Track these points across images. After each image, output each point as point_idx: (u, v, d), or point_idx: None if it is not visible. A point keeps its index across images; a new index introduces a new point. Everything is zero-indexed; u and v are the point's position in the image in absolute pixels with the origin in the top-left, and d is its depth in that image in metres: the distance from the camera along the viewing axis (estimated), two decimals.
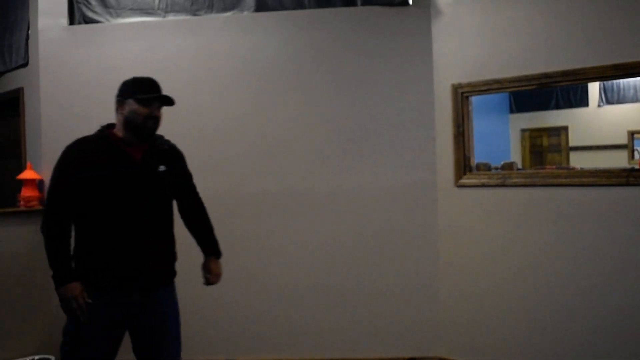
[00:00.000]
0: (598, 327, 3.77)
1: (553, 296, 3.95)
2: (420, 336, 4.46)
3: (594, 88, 9.34)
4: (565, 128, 9.71)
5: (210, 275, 3.13)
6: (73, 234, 2.83)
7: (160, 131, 2.95)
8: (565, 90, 9.48)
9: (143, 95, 2.82)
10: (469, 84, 4.27)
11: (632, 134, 9.05)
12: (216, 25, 4.60)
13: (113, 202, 2.77)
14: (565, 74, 3.91)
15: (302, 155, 4.54)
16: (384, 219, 4.48)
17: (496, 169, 4.40)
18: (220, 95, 4.57)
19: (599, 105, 9.45)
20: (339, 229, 4.52)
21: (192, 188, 3.19)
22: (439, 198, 4.44)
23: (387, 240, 4.48)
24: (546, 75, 3.97)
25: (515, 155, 9.61)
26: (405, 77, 4.48)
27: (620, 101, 9.36)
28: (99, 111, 4.47)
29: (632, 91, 9.24)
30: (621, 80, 9.12)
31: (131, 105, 2.82)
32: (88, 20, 4.71)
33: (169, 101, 2.89)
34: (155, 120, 2.87)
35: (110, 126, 2.92)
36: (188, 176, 3.15)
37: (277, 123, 4.55)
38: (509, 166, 4.34)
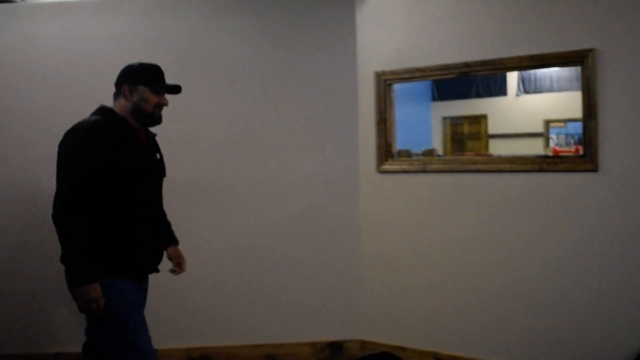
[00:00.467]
0: (514, 309, 3.92)
1: (473, 279, 4.07)
2: (343, 320, 4.50)
3: (512, 78, 9.63)
4: (485, 116, 9.98)
5: (181, 261, 3.19)
6: None
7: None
8: (485, 79, 9.74)
9: (156, 83, 2.81)
10: (391, 72, 4.32)
11: (547, 123, 9.39)
12: (137, 7, 4.47)
13: (131, 187, 2.72)
14: (484, 63, 4.01)
15: (224, 143, 4.48)
16: (308, 205, 4.49)
17: (417, 155, 4.48)
18: None
19: (517, 95, 9.76)
20: (262, 216, 4.49)
21: None
22: (361, 184, 4.48)
23: (311, 225, 4.50)
24: (466, 65, 4.06)
25: (437, 142, 9.83)
26: (329, 64, 4.49)
27: (537, 91, 9.69)
28: (7, 95, 4.35)
29: (548, 81, 9.58)
30: (538, 71, 9.42)
31: (142, 92, 2.78)
32: None
33: (178, 90, 2.89)
34: (161, 109, 2.86)
35: (107, 109, 2.81)
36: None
37: (197, 111, 4.45)
38: (430, 153, 4.44)
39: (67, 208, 2.54)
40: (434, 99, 10.11)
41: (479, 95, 9.89)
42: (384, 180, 4.39)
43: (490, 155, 4.75)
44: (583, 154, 3.71)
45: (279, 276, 4.49)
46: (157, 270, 2.93)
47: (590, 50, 3.62)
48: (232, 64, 4.47)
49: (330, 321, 4.50)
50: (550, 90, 9.49)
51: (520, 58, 3.88)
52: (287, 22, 4.47)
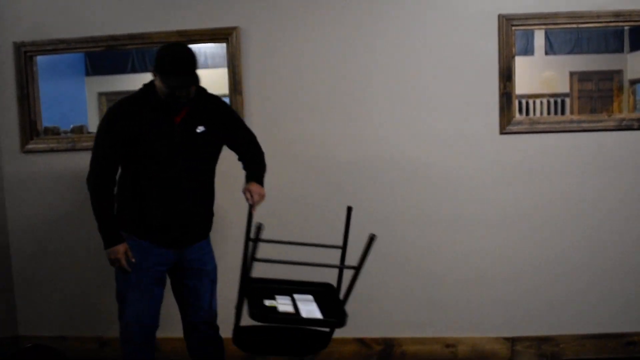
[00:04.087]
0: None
1: None
2: None
3: None
4: None
5: (252, 193, 3.01)
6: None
7: None
8: (141, 54, 9.66)
9: (164, 74, 2.75)
10: (33, 43, 4.04)
11: None
12: None
13: (152, 163, 2.84)
14: (132, 37, 3.99)
15: None
16: None
17: (66, 133, 4.28)
18: None
19: None
20: None
21: (244, 131, 3.16)
22: (5, 165, 4.15)
23: None
24: (113, 38, 4.00)
25: (93, 118, 9.49)
26: None
27: None
28: None
29: (203, 57, 9.82)
30: (193, 47, 9.61)
31: (157, 80, 2.80)
32: None
33: (192, 82, 2.79)
34: (182, 95, 2.80)
35: (148, 85, 2.91)
36: (234, 124, 3.11)
37: None
38: (79, 130, 4.27)
39: (92, 184, 2.93)
40: (87, 74, 9.71)
41: (135, 70, 9.77)
42: (31, 161, 4.12)
43: None
44: None
45: None
46: (190, 242, 3.02)
47: (234, 29, 3.82)
48: None
49: None
50: (205, 66, 9.74)
51: (168, 33, 3.94)
52: None
